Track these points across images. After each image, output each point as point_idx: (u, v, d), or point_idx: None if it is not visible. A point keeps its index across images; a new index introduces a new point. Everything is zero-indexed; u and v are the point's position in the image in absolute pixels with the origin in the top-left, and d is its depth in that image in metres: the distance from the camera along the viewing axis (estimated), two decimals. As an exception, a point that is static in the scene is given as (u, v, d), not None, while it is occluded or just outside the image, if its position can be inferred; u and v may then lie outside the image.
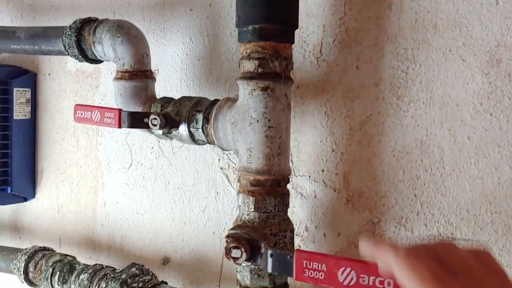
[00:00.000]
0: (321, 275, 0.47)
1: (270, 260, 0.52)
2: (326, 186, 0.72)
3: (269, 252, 0.52)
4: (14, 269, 0.93)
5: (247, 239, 0.58)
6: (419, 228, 0.66)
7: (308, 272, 0.47)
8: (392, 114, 0.67)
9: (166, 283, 0.79)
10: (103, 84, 0.96)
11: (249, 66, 0.62)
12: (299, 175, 0.74)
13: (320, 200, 0.72)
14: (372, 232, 0.69)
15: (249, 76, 0.62)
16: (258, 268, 0.64)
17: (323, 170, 0.72)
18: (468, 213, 0.63)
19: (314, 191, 0.73)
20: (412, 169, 0.66)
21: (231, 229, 0.62)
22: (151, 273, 0.84)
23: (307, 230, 0.74)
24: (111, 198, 0.97)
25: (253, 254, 0.57)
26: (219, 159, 0.83)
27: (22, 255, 0.93)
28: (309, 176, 0.73)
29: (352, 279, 0.44)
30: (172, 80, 0.87)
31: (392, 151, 0.67)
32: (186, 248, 0.87)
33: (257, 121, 0.62)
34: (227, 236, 0.59)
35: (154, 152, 0.90)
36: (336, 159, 0.71)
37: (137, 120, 0.69)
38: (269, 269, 0.52)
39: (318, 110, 0.72)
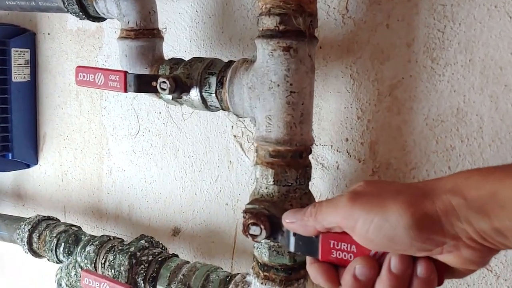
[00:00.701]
0: (350, 256, 0.42)
1: (292, 239, 0.47)
2: (350, 156, 0.66)
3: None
4: (18, 239, 0.89)
5: (266, 215, 0.53)
6: (452, 203, 0.60)
7: (336, 253, 0.43)
8: (425, 78, 0.60)
9: (177, 256, 0.75)
10: (107, 44, 0.89)
11: (269, 23, 0.55)
12: (320, 145, 0.68)
13: (343, 172, 0.67)
14: (399, 207, 0.63)
15: (269, 35, 0.55)
16: (278, 244, 0.59)
17: (347, 139, 0.66)
18: (508, 188, 0.57)
19: (337, 162, 0.67)
20: (447, 139, 0.60)
21: (249, 203, 0.57)
22: (161, 246, 0.80)
23: (328, 203, 0.69)
24: (117, 166, 0.92)
25: (273, 232, 0.53)
26: (232, 126, 0.77)
27: (25, 225, 0.89)
28: (331, 146, 0.68)
29: None
30: (180, 39, 0.80)
31: (424, 119, 0.61)
32: (197, 219, 0.83)
33: (278, 85, 0.56)
34: (245, 212, 0.54)
35: (162, 118, 0.84)
36: (362, 127, 0.65)
37: (144, 84, 0.63)
38: (292, 249, 0.47)
39: (342, 73, 0.65)
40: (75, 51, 0.94)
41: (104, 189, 0.94)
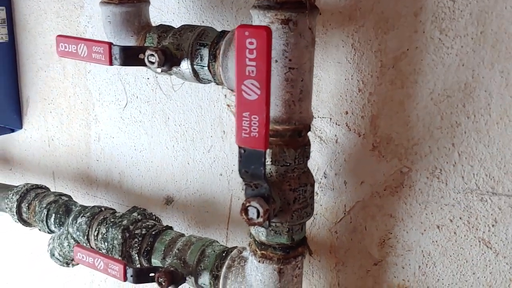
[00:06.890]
0: None
1: None
2: (350, 130, 0.64)
3: None
4: (6, 208, 0.87)
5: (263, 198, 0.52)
6: (454, 180, 0.59)
7: None
8: (432, 51, 0.56)
9: (171, 228, 0.73)
10: (89, 3, 0.83)
11: (267, -8, 0.50)
12: (318, 117, 0.65)
13: (342, 146, 0.65)
14: (400, 183, 0.62)
15: (266, 6, 0.51)
16: (275, 224, 0.58)
17: (347, 112, 0.63)
18: (513, 167, 0.55)
19: (336, 135, 0.65)
20: (452, 115, 0.57)
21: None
22: (154, 217, 0.78)
23: (325, 177, 0.67)
24: (105, 133, 0.88)
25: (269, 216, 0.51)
26: (225, 95, 0.73)
27: (13, 194, 0.86)
28: (330, 119, 0.65)
29: None
30: (168, 0, 0.74)
31: (430, 94, 0.58)
32: (190, 188, 0.81)
33: (276, 61, 0.52)
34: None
35: (151, 84, 0.80)
36: (363, 100, 0.62)
37: (131, 57, 0.58)
38: None
39: (343, 42, 0.61)
40: (54, 10, 0.88)
41: (93, 155, 0.91)
